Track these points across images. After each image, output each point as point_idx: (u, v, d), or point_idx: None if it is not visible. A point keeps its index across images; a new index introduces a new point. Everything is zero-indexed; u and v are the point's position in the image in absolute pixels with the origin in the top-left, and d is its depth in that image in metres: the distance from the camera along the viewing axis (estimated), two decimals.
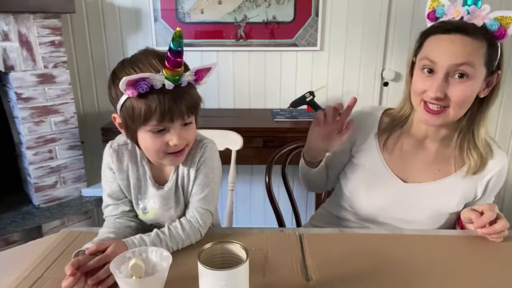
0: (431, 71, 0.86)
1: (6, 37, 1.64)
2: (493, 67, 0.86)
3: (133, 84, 0.71)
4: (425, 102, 0.88)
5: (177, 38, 0.69)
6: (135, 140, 0.81)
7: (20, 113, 1.74)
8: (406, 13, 2.04)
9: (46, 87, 1.79)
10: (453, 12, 0.85)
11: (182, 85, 0.75)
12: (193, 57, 2.11)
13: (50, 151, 1.86)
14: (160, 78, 0.72)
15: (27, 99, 1.74)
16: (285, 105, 2.11)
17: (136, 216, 0.92)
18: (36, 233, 1.77)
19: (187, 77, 0.75)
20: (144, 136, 0.78)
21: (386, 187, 0.98)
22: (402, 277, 0.73)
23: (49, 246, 0.84)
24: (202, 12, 2.04)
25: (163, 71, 0.72)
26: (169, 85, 0.72)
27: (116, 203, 0.89)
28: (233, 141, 1.30)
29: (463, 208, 0.95)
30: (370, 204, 1.00)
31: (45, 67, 1.77)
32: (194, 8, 2.03)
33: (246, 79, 2.16)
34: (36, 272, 0.75)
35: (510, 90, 2.12)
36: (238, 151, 1.32)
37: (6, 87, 1.78)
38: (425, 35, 0.89)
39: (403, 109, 0.99)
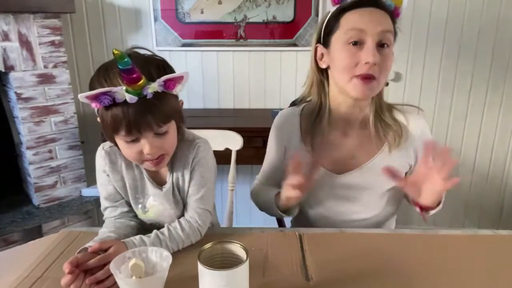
0: (356, 43, 0.87)
1: (6, 37, 1.64)
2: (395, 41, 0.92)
3: (95, 98, 0.69)
4: (357, 76, 0.87)
5: (120, 60, 0.65)
6: (115, 145, 0.81)
7: (20, 113, 1.74)
8: (406, 13, 2.03)
9: (46, 87, 1.79)
10: None
11: (148, 97, 0.70)
12: (193, 57, 2.11)
13: (50, 151, 1.86)
14: (121, 92, 0.69)
15: (27, 99, 1.74)
16: (285, 105, 2.10)
17: (135, 216, 0.92)
18: (36, 233, 1.77)
19: (153, 88, 0.71)
20: (120, 143, 0.78)
21: (325, 186, 0.99)
22: (402, 277, 0.73)
23: (49, 246, 0.84)
24: (202, 12, 2.04)
25: (124, 85, 0.69)
26: (131, 98, 0.69)
27: (113, 205, 0.89)
28: (233, 141, 1.30)
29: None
30: (317, 208, 1.01)
31: (45, 67, 1.77)
32: (194, 8, 2.03)
33: (246, 79, 2.16)
34: (36, 272, 0.75)
35: (510, 90, 2.12)
36: (238, 151, 1.32)
37: (6, 87, 1.78)
38: (338, 14, 0.90)
39: (314, 100, 0.99)
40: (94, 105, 0.71)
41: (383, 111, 0.97)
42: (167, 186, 0.87)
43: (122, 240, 0.77)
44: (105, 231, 0.82)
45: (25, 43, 1.70)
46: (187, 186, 0.87)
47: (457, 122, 2.19)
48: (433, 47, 2.07)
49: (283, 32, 2.06)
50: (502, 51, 2.06)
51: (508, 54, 2.06)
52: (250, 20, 2.05)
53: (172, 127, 0.79)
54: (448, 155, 0.77)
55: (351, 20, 0.88)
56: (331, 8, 0.91)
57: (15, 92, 1.71)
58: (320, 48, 0.94)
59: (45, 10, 1.70)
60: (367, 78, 0.87)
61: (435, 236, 0.90)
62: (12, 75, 1.69)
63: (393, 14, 0.90)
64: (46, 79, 1.78)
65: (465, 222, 2.32)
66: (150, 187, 0.88)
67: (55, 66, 1.80)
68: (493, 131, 2.20)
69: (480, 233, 0.91)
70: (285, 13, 2.03)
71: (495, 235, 0.90)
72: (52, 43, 1.77)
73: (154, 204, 0.88)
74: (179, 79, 0.75)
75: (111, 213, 0.89)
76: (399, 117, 0.99)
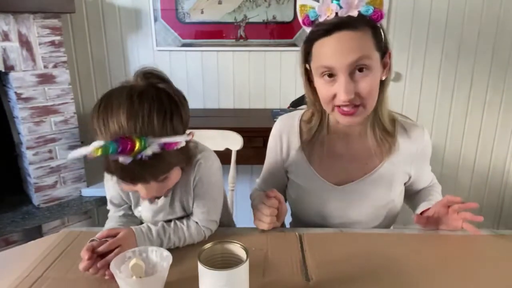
0: (331, 75, 0.83)
1: (6, 37, 1.64)
2: (382, 48, 0.85)
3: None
4: (338, 107, 0.85)
5: (105, 153, 0.62)
6: None
7: (20, 113, 1.74)
8: (406, 13, 2.03)
9: (46, 87, 1.79)
10: (326, 11, 0.80)
11: (143, 158, 0.65)
12: (193, 57, 2.11)
13: (50, 151, 1.86)
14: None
15: (27, 99, 1.74)
16: (285, 105, 2.11)
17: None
18: (36, 233, 1.77)
19: (147, 151, 0.64)
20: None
21: (323, 196, 0.98)
22: (402, 277, 0.73)
23: (49, 246, 0.84)
24: (202, 12, 2.04)
25: None
26: (124, 160, 0.63)
27: (117, 209, 0.91)
28: (233, 141, 1.31)
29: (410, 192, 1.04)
30: (314, 217, 1.00)
31: (45, 67, 1.77)
32: (194, 8, 2.03)
33: (246, 79, 2.16)
34: (36, 272, 0.75)
35: (510, 90, 2.12)
36: (238, 151, 1.32)
37: (6, 87, 1.77)
38: (309, 43, 0.85)
39: (314, 115, 0.97)
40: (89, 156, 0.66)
41: (383, 115, 0.93)
42: (163, 200, 0.86)
43: (130, 227, 0.78)
44: (112, 225, 0.85)
45: (25, 43, 1.69)
46: (192, 201, 0.86)
47: (457, 122, 2.19)
48: (433, 47, 2.07)
49: (283, 32, 2.06)
50: (502, 51, 2.06)
51: (508, 54, 2.06)
52: (250, 20, 2.05)
53: (173, 172, 0.76)
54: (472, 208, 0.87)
55: (320, 55, 0.83)
56: (306, 29, 0.87)
57: (15, 92, 1.71)
58: (309, 69, 0.90)
59: (45, 10, 1.69)
60: (348, 111, 0.84)
61: (435, 236, 0.90)
62: (12, 75, 1.69)
63: (373, 21, 0.81)
64: (46, 79, 1.78)
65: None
66: (144, 201, 0.87)
67: (55, 66, 1.80)
68: (493, 131, 2.20)
69: (480, 233, 0.90)
70: (285, 13, 2.03)
71: (495, 235, 0.90)
72: (52, 43, 1.77)
73: (147, 216, 0.88)
74: (179, 142, 0.69)
75: (115, 213, 0.91)
76: (400, 129, 0.96)
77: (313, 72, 0.87)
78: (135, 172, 0.67)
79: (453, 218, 0.89)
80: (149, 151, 0.64)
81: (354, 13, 0.79)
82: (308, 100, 0.97)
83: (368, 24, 0.81)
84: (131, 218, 0.90)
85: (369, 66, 0.81)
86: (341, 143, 0.98)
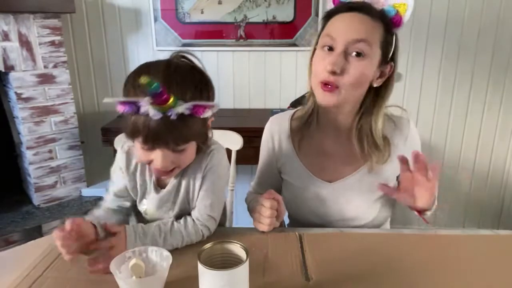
0: (331, 49, 0.85)
1: (6, 37, 1.64)
2: (388, 54, 0.87)
3: (121, 102, 0.69)
4: (323, 84, 0.86)
5: (148, 87, 0.64)
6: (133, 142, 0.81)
7: (20, 113, 1.74)
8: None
9: (46, 87, 1.79)
10: None
11: (172, 117, 0.68)
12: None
13: (50, 151, 1.86)
14: (146, 106, 0.67)
15: (27, 99, 1.74)
16: (285, 105, 2.11)
17: (129, 214, 0.93)
18: (36, 233, 1.77)
19: (178, 109, 0.68)
20: (136, 144, 0.78)
21: (317, 194, 0.98)
22: (402, 277, 0.73)
23: (49, 246, 0.84)
24: (202, 12, 2.04)
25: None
26: (155, 114, 0.67)
27: (117, 199, 0.91)
28: (233, 141, 1.30)
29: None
30: (310, 216, 1.00)
31: (45, 67, 1.77)
32: (194, 8, 2.03)
33: (246, 79, 2.16)
34: (36, 272, 0.75)
35: (510, 90, 2.12)
36: (238, 151, 1.32)
37: (6, 87, 1.78)
38: (328, 16, 0.89)
39: (309, 105, 0.98)
40: (119, 109, 0.70)
41: (376, 130, 0.93)
42: (169, 188, 0.87)
43: (124, 225, 0.79)
44: (102, 215, 0.86)
45: (25, 43, 1.70)
46: (198, 191, 0.87)
47: (457, 122, 2.19)
48: (433, 47, 2.07)
49: (283, 32, 2.06)
50: (502, 51, 2.06)
51: (508, 54, 2.06)
52: (250, 20, 2.05)
53: (191, 145, 0.79)
54: (436, 170, 0.80)
55: (330, 26, 0.87)
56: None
57: (15, 92, 1.71)
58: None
59: (45, 10, 1.70)
60: (327, 85, 0.85)
61: (435, 236, 0.90)
62: (12, 75, 1.69)
63: (390, 22, 0.85)
64: (46, 79, 1.78)
65: (465, 222, 2.32)
66: (151, 191, 0.88)
67: (55, 66, 1.80)
68: (493, 131, 2.20)
69: (480, 233, 0.91)
70: (285, 13, 2.03)
71: (495, 235, 0.90)
72: (52, 43, 1.77)
73: (151, 209, 0.89)
74: (210, 106, 0.72)
75: (111, 203, 0.90)
76: (389, 124, 0.97)
77: (318, 45, 0.89)
78: (160, 132, 0.70)
79: (419, 180, 0.82)
80: (179, 109, 0.68)
81: (378, 7, 0.85)
82: (309, 79, 0.96)
83: (384, 22, 0.85)
84: (122, 215, 0.90)
85: (366, 54, 0.84)
86: (332, 140, 0.98)
